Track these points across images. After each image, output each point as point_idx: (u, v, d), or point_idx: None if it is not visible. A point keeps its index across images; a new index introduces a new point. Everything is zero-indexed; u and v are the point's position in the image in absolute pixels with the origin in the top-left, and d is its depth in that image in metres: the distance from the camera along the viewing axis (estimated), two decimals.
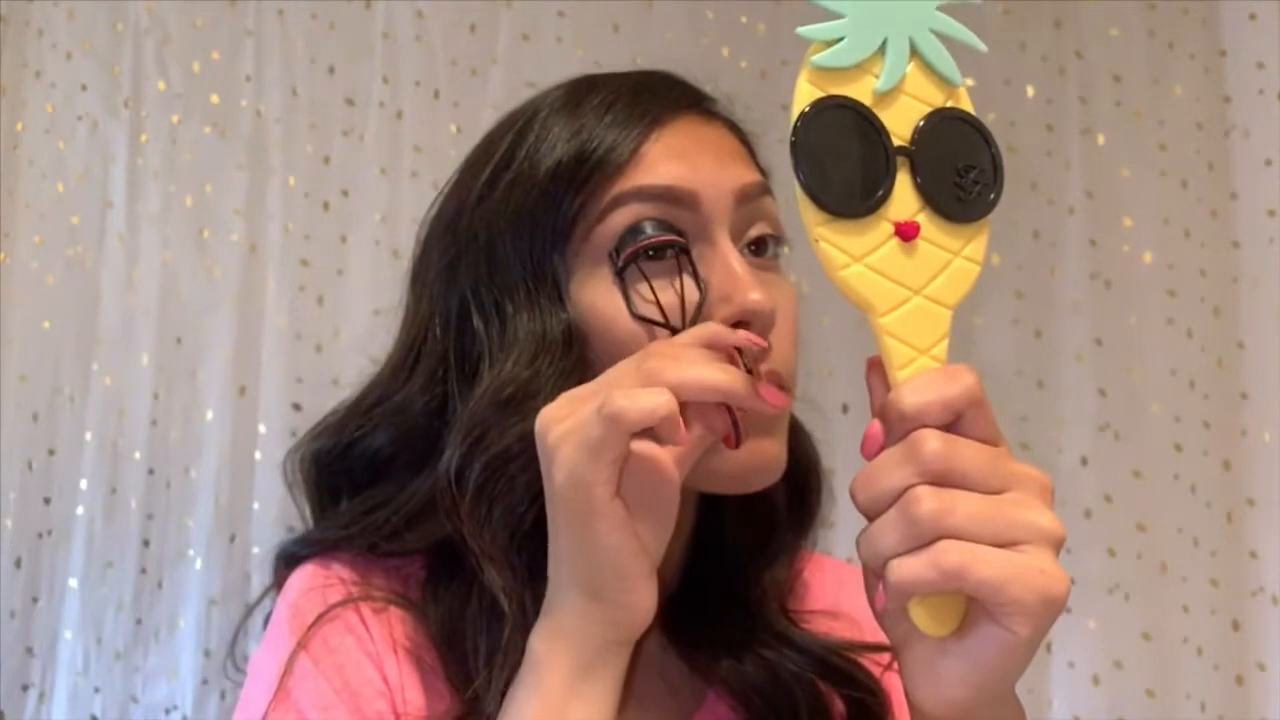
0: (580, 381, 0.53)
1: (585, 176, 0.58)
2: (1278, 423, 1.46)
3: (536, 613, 0.55)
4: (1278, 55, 1.50)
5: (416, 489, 0.61)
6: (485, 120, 1.48)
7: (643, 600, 0.51)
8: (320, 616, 0.60)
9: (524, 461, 0.56)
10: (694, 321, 0.56)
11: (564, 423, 0.50)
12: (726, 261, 0.58)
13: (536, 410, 0.54)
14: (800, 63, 0.47)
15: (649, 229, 0.57)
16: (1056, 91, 1.55)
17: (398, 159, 1.45)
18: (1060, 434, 1.49)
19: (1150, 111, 1.55)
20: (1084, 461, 1.48)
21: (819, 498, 0.71)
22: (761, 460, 0.58)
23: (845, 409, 1.41)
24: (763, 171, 0.65)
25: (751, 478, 0.58)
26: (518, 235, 0.60)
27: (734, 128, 0.66)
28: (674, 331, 0.56)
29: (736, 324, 0.56)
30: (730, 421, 0.53)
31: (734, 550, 0.66)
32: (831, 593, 0.72)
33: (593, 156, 0.58)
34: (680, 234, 0.58)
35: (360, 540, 0.64)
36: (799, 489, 0.69)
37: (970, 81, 0.51)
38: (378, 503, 0.64)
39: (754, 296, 0.56)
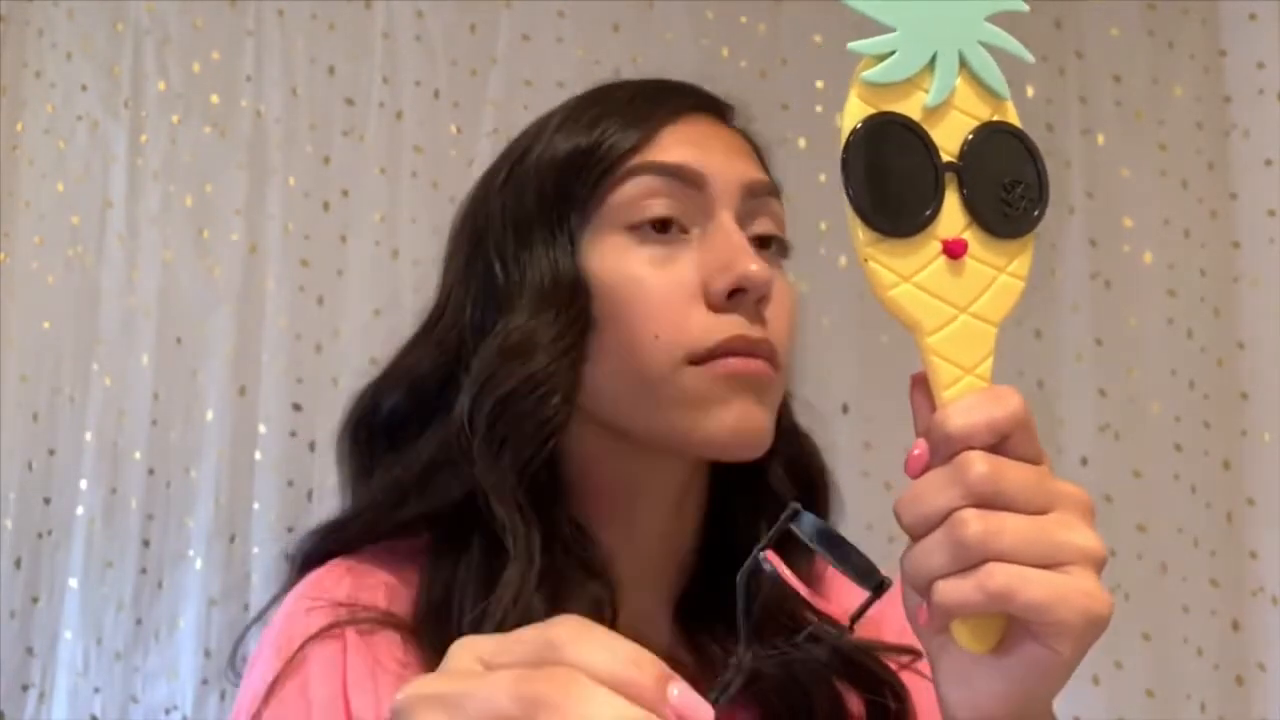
0: (581, 336, 0.55)
1: (603, 154, 0.61)
2: (1278, 423, 1.46)
3: (541, 559, 0.56)
4: (1278, 55, 1.50)
5: (426, 442, 0.63)
6: (485, 120, 1.51)
7: None
8: (302, 646, 0.60)
9: (530, 404, 0.58)
10: None
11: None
12: (728, 233, 0.59)
13: (541, 360, 0.58)
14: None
15: None
16: (1056, 91, 1.55)
17: (398, 159, 1.45)
18: (1060, 434, 1.49)
19: (1150, 111, 1.55)
20: (1084, 461, 1.48)
21: (828, 502, 0.70)
22: (748, 424, 0.58)
23: (845, 409, 1.41)
24: (773, 180, 0.66)
25: (737, 442, 0.58)
26: (541, 198, 0.62)
27: (747, 137, 0.68)
28: None
29: (733, 292, 0.57)
30: None
31: (745, 551, 0.66)
32: (853, 593, 0.72)
33: (610, 138, 0.61)
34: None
35: (368, 517, 0.64)
36: (807, 493, 0.69)
37: None
38: (395, 467, 0.65)
39: (752, 267, 0.57)
